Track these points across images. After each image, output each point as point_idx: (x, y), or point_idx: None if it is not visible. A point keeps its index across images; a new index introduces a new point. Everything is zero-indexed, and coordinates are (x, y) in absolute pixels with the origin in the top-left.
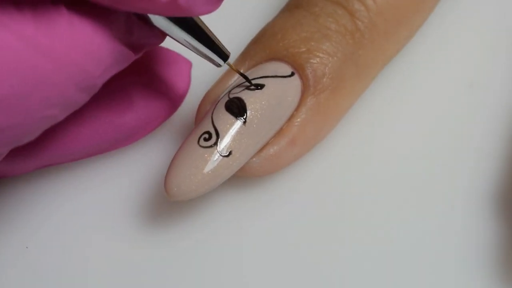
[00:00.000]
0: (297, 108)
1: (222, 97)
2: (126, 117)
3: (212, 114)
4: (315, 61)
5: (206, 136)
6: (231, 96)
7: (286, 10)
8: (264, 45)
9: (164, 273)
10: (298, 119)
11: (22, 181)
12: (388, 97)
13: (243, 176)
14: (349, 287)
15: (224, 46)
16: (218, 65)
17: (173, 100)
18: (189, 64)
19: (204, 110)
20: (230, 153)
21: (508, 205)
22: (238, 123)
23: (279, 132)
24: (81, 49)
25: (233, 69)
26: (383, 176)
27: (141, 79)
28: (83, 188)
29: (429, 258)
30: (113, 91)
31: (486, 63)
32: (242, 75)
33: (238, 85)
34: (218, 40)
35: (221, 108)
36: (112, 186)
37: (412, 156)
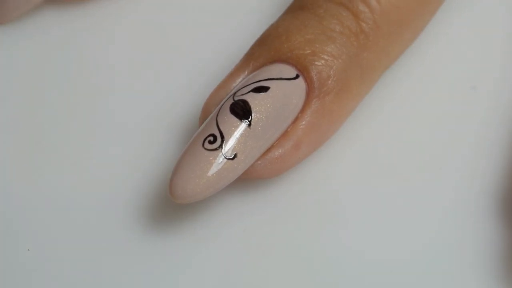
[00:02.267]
0: (302, 111)
1: (226, 100)
2: None
3: (217, 116)
4: (320, 63)
5: (211, 138)
6: (236, 98)
7: (290, 12)
8: (268, 47)
9: (165, 273)
10: (303, 122)
11: (23, 182)
12: (390, 98)
13: (248, 178)
14: (350, 287)
15: None
16: None
17: None
18: None
19: (209, 112)
20: (235, 155)
21: (509, 205)
22: (243, 125)
23: (284, 135)
24: None
25: None
26: (384, 176)
27: None
28: (86, 190)
29: (429, 257)
30: None
31: (489, 65)
32: None
33: (243, 87)
34: None
35: (225, 111)
36: (114, 188)
37: (413, 156)
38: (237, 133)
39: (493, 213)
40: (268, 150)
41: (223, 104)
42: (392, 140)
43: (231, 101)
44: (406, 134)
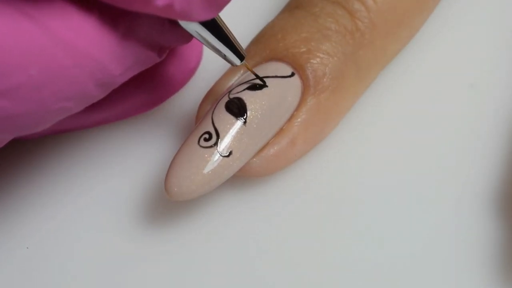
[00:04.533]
0: (298, 108)
1: (222, 98)
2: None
3: (212, 114)
4: (315, 62)
5: (207, 136)
6: (231, 96)
7: (286, 11)
8: (264, 45)
9: (164, 273)
10: (299, 119)
11: (22, 181)
12: (388, 97)
13: (243, 176)
14: (349, 287)
15: (241, 46)
16: (234, 64)
17: (184, 73)
18: None
19: (205, 110)
20: (230, 153)
21: (509, 205)
22: (239, 123)
23: (280, 132)
24: (105, 49)
25: (249, 69)
26: (383, 176)
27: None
28: (84, 188)
29: (429, 257)
30: None
31: (486, 63)
32: (256, 75)
33: (238, 85)
34: (236, 40)
35: (221, 108)
36: (112, 186)
37: (411, 156)
38: (232, 130)
39: (492, 212)
40: (264, 147)
41: (218, 102)
42: (390, 139)
43: (226, 99)
44: (404, 134)
